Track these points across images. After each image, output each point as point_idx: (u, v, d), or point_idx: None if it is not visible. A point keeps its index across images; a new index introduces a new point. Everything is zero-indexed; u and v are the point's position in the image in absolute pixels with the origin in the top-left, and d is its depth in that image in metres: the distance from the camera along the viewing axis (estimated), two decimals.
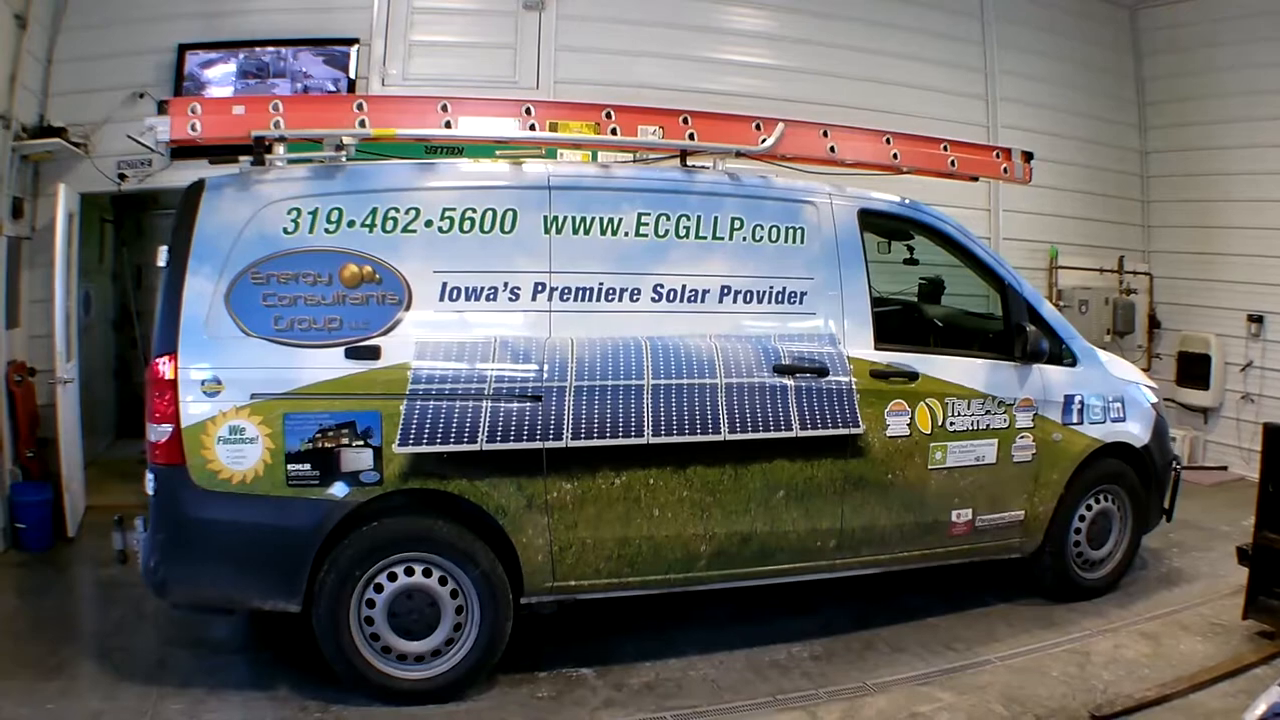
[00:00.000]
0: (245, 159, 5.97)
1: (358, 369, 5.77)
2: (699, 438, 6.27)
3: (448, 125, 6.29)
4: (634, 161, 7.29)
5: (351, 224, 5.86)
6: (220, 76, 9.77)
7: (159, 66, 9.66)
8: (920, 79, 11.79)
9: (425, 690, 6.00)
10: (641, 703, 6.08)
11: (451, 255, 5.99)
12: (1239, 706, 5.21)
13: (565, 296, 6.15)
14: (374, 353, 5.80)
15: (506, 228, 6.09)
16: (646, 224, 6.35)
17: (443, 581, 6.00)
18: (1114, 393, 7.69)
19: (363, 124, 6.04)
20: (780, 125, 6.77)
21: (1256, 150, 11.59)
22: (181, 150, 6.92)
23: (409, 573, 5.96)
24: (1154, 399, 8.06)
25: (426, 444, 5.82)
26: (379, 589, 5.93)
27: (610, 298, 6.24)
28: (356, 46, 10.02)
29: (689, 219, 6.44)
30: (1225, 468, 12.02)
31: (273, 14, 9.92)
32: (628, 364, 6.17)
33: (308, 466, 5.71)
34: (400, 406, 5.79)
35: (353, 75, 9.98)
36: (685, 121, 6.62)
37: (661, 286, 6.35)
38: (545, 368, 6.03)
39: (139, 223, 13.05)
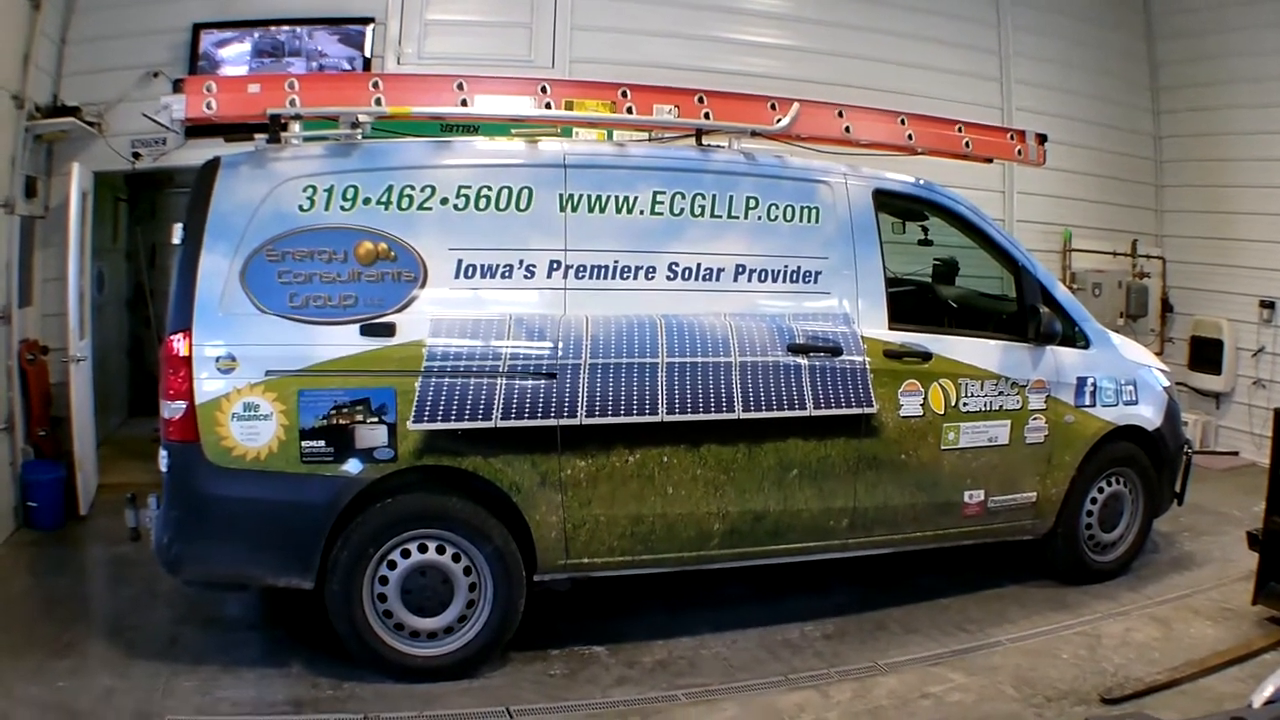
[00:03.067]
0: (261, 137, 5.97)
1: (373, 346, 5.78)
2: (713, 416, 6.28)
3: (463, 103, 6.28)
4: (649, 140, 7.28)
5: (367, 201, 5.87)
6: (235, 56, 9.75)
7: (173, 46, 9.62)
8: (935, 61, 11.75)
9: (438, 667, 6.02)
10: (654, 681, 6.09)
11: (467, 233, 6.00)
12: (1248, 691, 5.17)
13: (580, 274, 6.15)
14: (389, 330, 5.81)
15: (522, 205, 6.09)
16: (662, 202, 6.35)
17: (456, 558, 6.02)
18: (1126, 375, 7.69)
19: (379, 102, 6.04)
20: (796, 105, 6.76)
21: (1270, 136, 11.53)
22: (196, 129, 6.89)
23: (422, 549, 5.98)
24: (1166, 382, 8.05)
25: (441, 421, 5.83)
26: (392, 566, 5.95)
27: (625, 276, 6.24)
28: (372, 25, 9.99)
29: (704, 198, 6.43)
30: (1236, 453, 11.99)
31: None
32: (642, 342, 6.18)
33: (322, 443, 5.72)
34: (415, 383, 5.81)
35: (368, 54, 9.95)
36: (701, 101, 6.61)
37: (676, 265, 6.35)
38: (560, 345, 6.04)
39: (153, 201, 13.06)
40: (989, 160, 8.12)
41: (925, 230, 8.11)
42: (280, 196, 5.80)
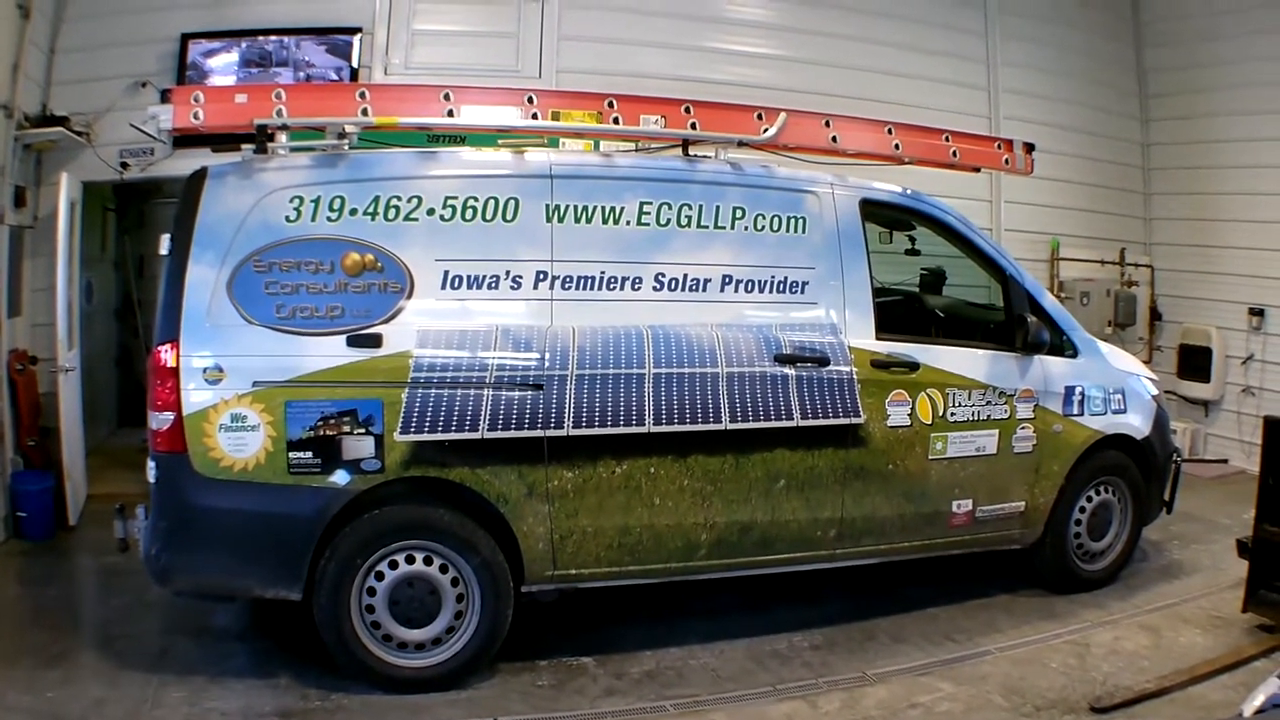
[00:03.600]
0: (248, 147, 5.97)
1: (359, 357, 5.77)
2: (700, 427, 6.27)
3: (450, 114, 6.29)
4: (636, 151, 7.28)
5: (354, 212, 5.86)
6: (223, 65, 9.76)
7: (162, 56, 9.64)
8: (922, 70, 11.75)
9: (426, 678, 6.00)
10: (642, 691, 6.09)
11: (453, 243, 5.99)
12: (1238, 699, 5.20)
13: (567, 285, 6.15)
14: (376, 341, 5.80)
15: (508, 216, 6.09)
16: (648, 213, 6.35)
17: (444, 569, 6.00)
18: (1115, 384, 7.69)
19: (365, 112, 6.04)
20: (782, 115, 6.77)
21: (1258, 144, 11.54)
22: (184, 139, 6.86)
23: (410, 561, 5.97)
24: (1155, 391, 8.07)
25: (428, 432, 5.82)
26: (380, 577, 5.93)
27: (612, 286, 6.24)
28: (359, 35, 10.00)
29: (691, 208, 6.44)
30: (1226, 461, 12.00)
31: (275, 3, 9.91)
32: (629, 353, 6.17)
33: (309, 454, 5.71)
34: (402, 394, 5.80)
35: (355, 64, 9.97)
36: (687, 111, 6.61)
37: (663, 275, 6.35)
38: (546, 356, 6.03)
39: (141, 211, 13.04)
40: (976, 169, 8.15)
41: (913, 240, 8.14)
42: (267, 207, 5.79)
